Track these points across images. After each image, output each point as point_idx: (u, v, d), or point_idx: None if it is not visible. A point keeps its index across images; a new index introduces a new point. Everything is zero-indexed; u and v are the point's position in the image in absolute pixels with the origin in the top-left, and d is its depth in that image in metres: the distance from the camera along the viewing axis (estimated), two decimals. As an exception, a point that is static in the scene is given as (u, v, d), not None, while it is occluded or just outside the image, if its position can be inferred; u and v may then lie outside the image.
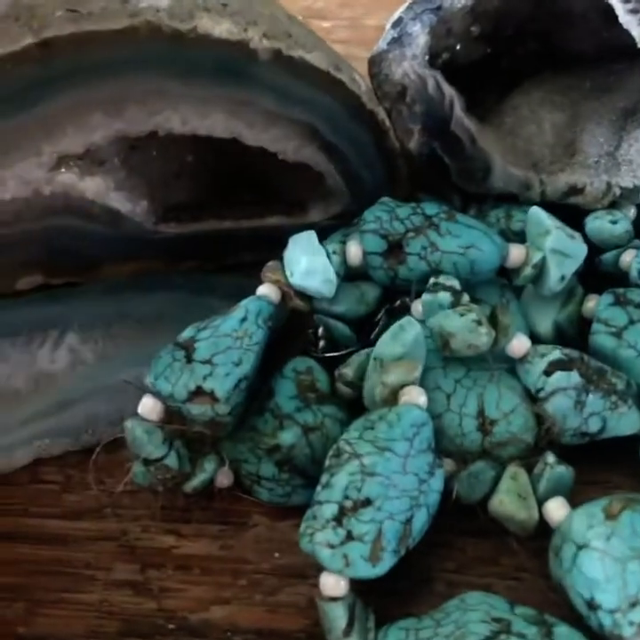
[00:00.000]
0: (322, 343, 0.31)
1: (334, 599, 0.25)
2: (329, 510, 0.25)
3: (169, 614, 0.28)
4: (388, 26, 0.34)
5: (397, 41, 0.33)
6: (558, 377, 0.28)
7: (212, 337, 0.29)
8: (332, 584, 0.25)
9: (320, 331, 0.31)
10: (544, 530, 0.27)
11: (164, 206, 0.34)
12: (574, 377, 0.28)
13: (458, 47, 0.35)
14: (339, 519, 0.25)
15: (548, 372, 0.29)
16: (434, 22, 0.33)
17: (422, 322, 0.30)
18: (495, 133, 0.35)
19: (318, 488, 0.26)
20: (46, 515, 0.30)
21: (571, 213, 0.34)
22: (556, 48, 0.37)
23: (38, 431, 0.32)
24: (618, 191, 0.34)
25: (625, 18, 0.33)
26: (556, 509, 0.27)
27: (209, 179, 0.34)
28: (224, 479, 0.29)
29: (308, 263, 0.31)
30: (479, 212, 0.35)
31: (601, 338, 0.31)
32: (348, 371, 0.30)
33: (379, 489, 0.25)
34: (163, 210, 0.33)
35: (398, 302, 0.32)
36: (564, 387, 0.28)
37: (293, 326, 0.32)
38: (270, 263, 0.32)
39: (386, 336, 0.28)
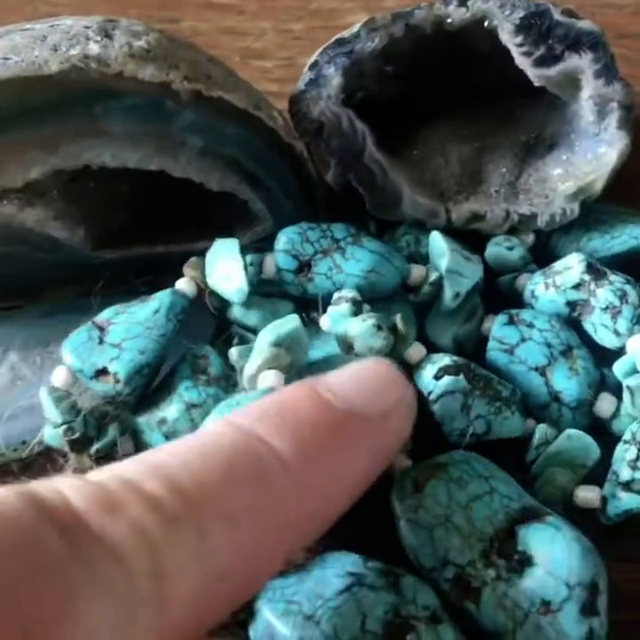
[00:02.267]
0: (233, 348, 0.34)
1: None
2: None
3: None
4: (306, 68, 0.37)
5: (314, 82, 0.37)
6: (446, 380, 0.32)
7: (125, 322, 0.32)
8: None
9: (234, 340, 0.35)
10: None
11: (100, 233, 0.37)
12: (461, 381, 0.32)
13: (372, 86, 0.38)
14: None
15: (437, 377, 0.32)
16: (347, 65, 0.37)
17: (330, 333, 0.33)
18: (405, 165, 0.38)
19: None
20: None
21: (474, 238, 0.37)
22: (466, 84, 0.40)
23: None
24: (516, 217, 0.37)
25: (519, 59, 0.36)
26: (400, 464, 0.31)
27: (141, 207, 0.37)
28: (126, 445, 0.33)
29: (225, 268, 0.34)
30: (392, 236, 0.38)
31: (495, 354, 0.34)
32: (234, 351, 0.33)
33: None
34: (99, 236, 0.37)
35: (309, 316, 0.35)
36: (451, 390, 0.31)
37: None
38: (192, 259, 0.35)
39: (269, 325, 0.31)
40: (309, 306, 0.35)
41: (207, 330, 0.35)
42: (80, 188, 0.36)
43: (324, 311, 0.34)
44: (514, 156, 0.40)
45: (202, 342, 0.34)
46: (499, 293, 0.37)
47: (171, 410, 0.32)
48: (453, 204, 0.38)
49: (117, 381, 0.31)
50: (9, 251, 0.35)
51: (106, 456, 0.32)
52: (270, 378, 0.30)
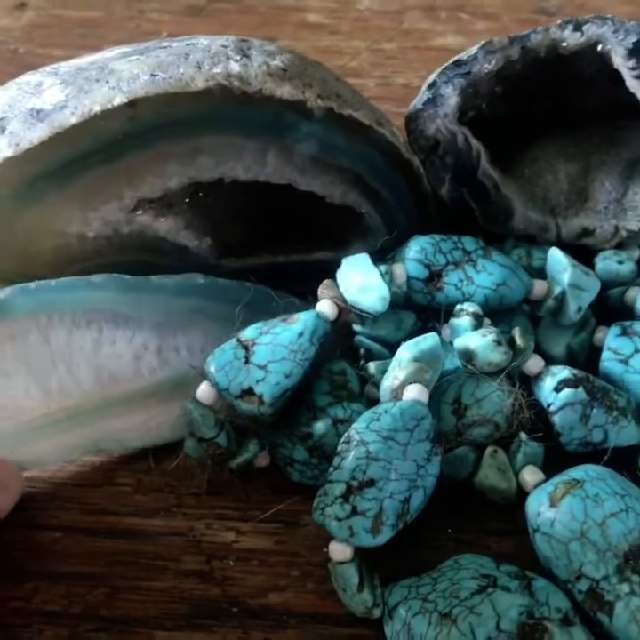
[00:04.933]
0: (362, 362, 0.35)
1: (343, 562, 0.30)
2: (338, 488, 0.29)
3: (231, 599, 0.32)
4: (424, 88, 0.39)
5: (431, 101, 0.38)
6: (566, 393, 0.33)
7: (271, 344, 0.33)
8: (340, 551, 0.30)
9: (361, 350, 0.36)
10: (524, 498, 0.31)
11: (224, 243, 0.38)
12: (580, 393, 0.33)
13: (484, 105, 0.40)
14: (346, 496, 0.29)
15: (557, 389, 0.33)
16: (463, 85, 0.38)
17: (450, 343, 0.34)
18: (516, 182, 0.40)
19: (331, 469, 0.30)
20: (122, 513, 0.34)
21: (583, 253, 0.38)
22: (569, 106, 0.41)
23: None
24: (624, 233, 0.38)
25: (631, 82, 0.37)
26: (530, 476, 0.32)
27: (263, 219, 0.39)
28: (262, 460, 0.34)
29: (363, 281, 0.35)
30: (501, 250, 0.39)
31: (611, 364, 0.35)
32: (371, 365, 0.34)
33: (381, 472, 0.30)
34: (224, 246, 0.38)
35: (429, 326, 0.36)
36: (571, 402, 0.33)
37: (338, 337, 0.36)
38: (326, 281, 0.35)
39: (410, 341, 0.32)
40: (429, 317, 0.36)
41: (334, 346, 0.36)
42: (206, 200, 0.38)
43: (445, 321, 0.35)
44: (618, 174, 0.41)
45: (333, 358, 0.35)
46: (608, 306, 0.38)
47: (317, 426, 0.33)
48: (563, 220, 0.39)
49: (262, 403, 0.32)
50: (140, 259, 0.37)
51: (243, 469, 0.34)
52: (416, 391, 0.31)
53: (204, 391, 0.33)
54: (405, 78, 0.50)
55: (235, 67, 0.34)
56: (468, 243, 0.36)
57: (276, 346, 0.33)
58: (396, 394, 0.32)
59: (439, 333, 0.35)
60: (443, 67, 0.38)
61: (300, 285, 0.38)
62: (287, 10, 0.55)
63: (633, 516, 0.29)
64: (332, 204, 0.38)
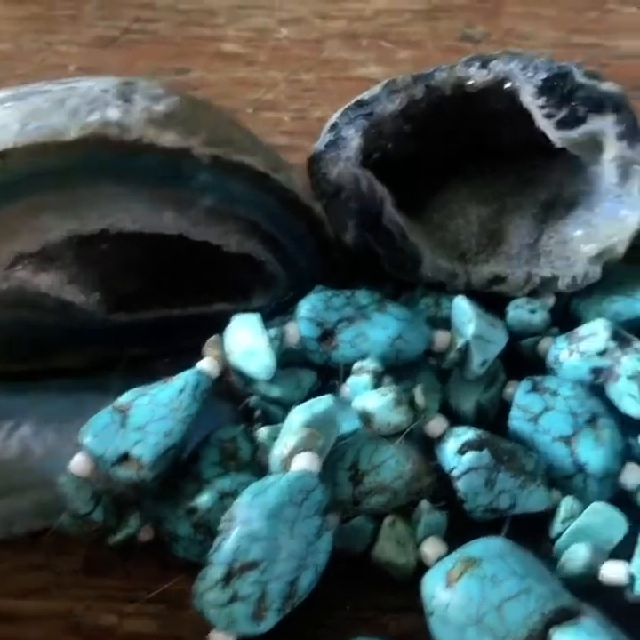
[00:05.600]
0: (256, 425, 0.33)
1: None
2: (218, 571, 0.27)
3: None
4: (325, 130, 0.37)
5: (333, 144, 0.37)
6: (470, 456, 0.31)
7: (148, 404, 0.31)
8: None
9: (257, 412, 0.34)
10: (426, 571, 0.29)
11: (115, 297, 0.36)
12: (485, 457, 0.31)
13: (389, 146, 0.38)
14: (226, 580, 0.27)
15: (461, 451, 0.31)
16: (366, 126, 0.37)
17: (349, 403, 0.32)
18: (425, 227, 0.38)
19: (211, 550, 0.28)
20: (-3, 594, 0.32)
21: (495, 301, 0.37)
22: (483, 144, 0.40)
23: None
24: (537, 280, 0.37)
25: (541, 121, 0.36)
26: (431, 549, 0.30)
27: (156, 270, 0.37)
28: (145, 534, 0.31)
29: (249, 343, 0.33)
30: (411, 298, 0.37)
31: (519, 423, 0.33)
32: (262, 431, 0.32)
33: (265, 552, 0.27)
34: (114, 300, 0.36)
35: (330, 384, 0.34)
36: (475, 466, 0.31)
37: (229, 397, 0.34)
38: (212, 338, 0.34)
39: (302, 405, 0.30)
40: (332, 373, 0.34)
41: (227, 412, 0.34)
42: (94, 252, 0.35)
43: (345, 380, 0.33)
44: (533, 216, 0.39)
45: (225, 425, 0.33)
46: (519, 357, 0.36)
47: (202, 499, 0.31)
48: (474, 266, 0.37)
49: (141, 467, 0.30)
50: (21, 315, 0.35)
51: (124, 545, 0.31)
52: (305, 460, 0.29)
53: (78, 462, 0.30)
54: (322, 111, 0.47)
55: (114, 113, 0.31)
56: (362, 297, 0.34)
57: (154, 405, 0.31)
58: (285, 464, 0.30)
59: (338, 393, 0.33)
60: (344, 107, 0.37)
61: (198, 340, 0.36)
62: (203, 39, 0.53)
63: (533, 598, 0.27)
64: (229, 253, 0.35)
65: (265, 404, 0.34)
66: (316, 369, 0.35)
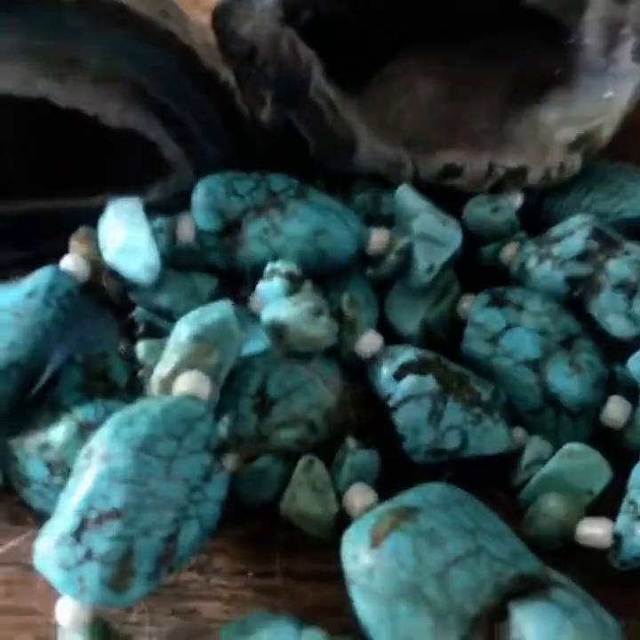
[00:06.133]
0: (140, 342, 0.26)
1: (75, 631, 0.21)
2: (68, 522, 0.21)
3: None
4: None
5: None
6: (410, 382, 0.24)
7: None
8: (72, 612, 0.21)
9: (140, 327, 0.27)
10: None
11: None
12: (429, 382, 0.24)
13: (320, 7, 0.30)
14: (77, 534, 0.20)
15: (397, 376, 0.25)
16: None
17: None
18: (362, 104, 0.31)
19: (61, 494, 0.21)
20: None
21: (449, 199, 0.30)
22: (438, 13, 0.32)
23: None
24: (501, 172, 0.30)
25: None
26: (358, 497, 0.23)
27: (21, 151, 0.29)
28: None
29: (126, 238, 0.26)
30: (345, 196, 0.30)
31: (474, 344, 0.27)
32: (141, 346, 0.26)
33: (131, 498, 0.21)
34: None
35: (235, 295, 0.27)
36: (416, 394, 0.24)
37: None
38: (80, 230, 0.27)
39: (191, 314, 0.24)
40: (238, 281, 0.28)
41: (103, 324, 0.28)
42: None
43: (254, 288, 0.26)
44: (498, 97, 0.32)
45: (96, 339, 0.27)
46: (477, 267, 0.30)
47: (57, 431, 0.24)
48: (422, 155, 0.30)
49: None
50: None
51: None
52: (190, 381, 0.22)
53: None
54: None
55: None
56: (276, 182, 0.28)
57: None
58: (165, 386, 0.23)
59: (246, 305, 0.27)
60: None
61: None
62: None
63: (486, 561, 0.20)
64: (110, 130, 0.28)
65: (151, 317, 0.27)
66: (218, 274, 0.28)
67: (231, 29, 0.29)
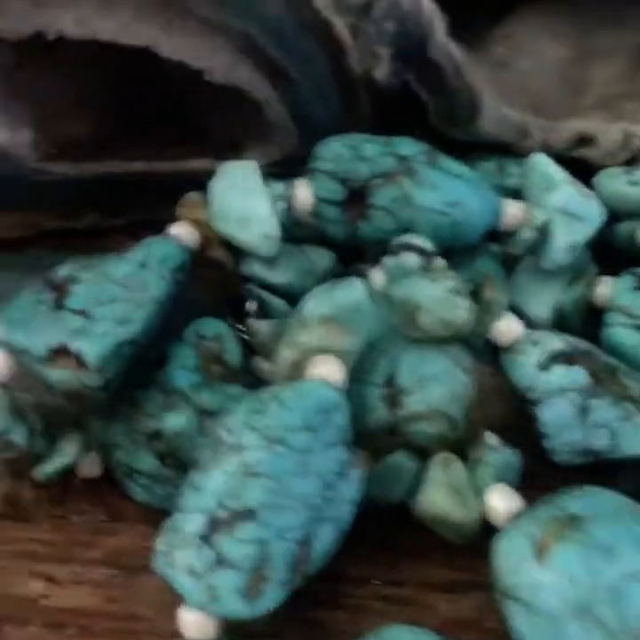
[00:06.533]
0: (249, 321, 0.24)
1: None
2: (195, 523, 0.19)
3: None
4: None
5: None
6: (559, 374, 0.22)
7: (95, 281, 0.22)
8: (196, 624, 0.19)
9: (250, 305, 0.25)
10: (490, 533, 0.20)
11: (54, 139, 0.26)
12: (580, 374, 0.22)
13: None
14: (207, 536, 0.18)
15: (544, 366, 0.22)
16: None
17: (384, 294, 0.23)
18: (486, 66, 0.28)
19: (184, 490, 0.19)
20: None
21: (579, 170, 0.27)
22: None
23: None
24: (638, 142, 0.27)
25: None
26: (501, 502, 0.21)
27: (116, 108, 0.27)
28: (90, 467, 0.23)
29: (242, 206, 0.24)
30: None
31: (618, 331, 0.24)
32: (261, 326, 0.24)
33: (265, 496, 0.19)
34: (53, 143, 0.26)
35: (353, 268, 0.25)
36: (565, 387, 0.22)
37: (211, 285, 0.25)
38: (190, 194, 0.25)
39: (317, 291, 0.22)
40: (354, 255, 0.25)
41: (208, 301, 0.25)
42: (29, 75, 0.25)
43: (376, 262, 0.24)
44: (628, 61, 0.29)
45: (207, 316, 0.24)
46: (613, 247, 0.27)
47: (172, 418, 0.22)
48: (551, 121, 0.27)
49: (84, 366, 0.21)
50: None
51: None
52: (326, 366, 0.20)
53: None
54: None
55: None
56: (405, 145, 0.25)
57: (104, 283, 0.22)
58: (296, 371, 0.21)
59: (366, 279, 0.24)
60: None
61: (165, 211, 0.26)
62: None
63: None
64: (213, 86, 0.25)
65: (262, 293, 0.25)
66: (335, 248, 0.26)
67: (347, -21, 0.26)
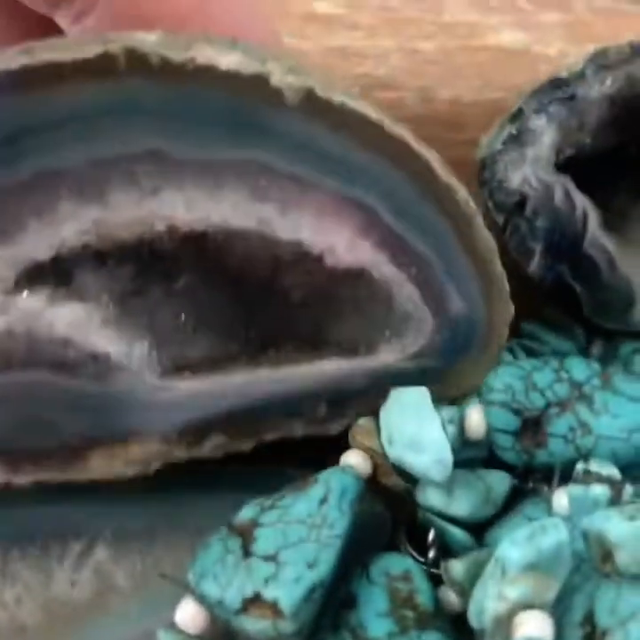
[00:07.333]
0: (431, 553, 0.23)
1: None
2: None
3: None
4: (504, 119, 0.27)
5: (516, 139, 0.27)
6: None
7: (279, 522, 0.22)
8: None
9: (430, 535, 0.24)
10: None
11: (175, 353, 0.23)
12: None
13: (587, 141, 0.27)
14: None
15: None
16: (564, 116, 0.27)
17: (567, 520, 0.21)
18: (636, 251, 0.27)
19: None
20: None
21: None
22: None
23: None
24: None
25: None
26: None
27: (235, 329, 0.24)
28: None
29: (415, 431, 0.23)
30: (607, 349, 0.29)
31: None
32: (458, 566, 0.22)
33: None
34: (173, 357, 0.23)
35: (530, 485, 0.25)
36: None
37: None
38: (362, 422, 0.24)
39: (519, 534, 0.20)
40: (527, 474, 0.25)
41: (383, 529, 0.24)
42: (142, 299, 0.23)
43: (558, 482, 0.24)
44: None
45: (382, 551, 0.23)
46: None
47: None
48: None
49: (279, 614, 0.20)
50: (26, 379, 0.22)
51: None
52: (533, 624, 0.19)
53: (185, 611, 0.21)
54: (453, 90, 0.35)
55: (151, 35, 0.20)
56: (577, 369, 0.25)
57: (287, 524, 0.22)
58: (504, 626, 0.19)
59: (548, 504, 0.23)
60: (532, 89, 0.27)
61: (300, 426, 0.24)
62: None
63: None
64: (335, 272, 0.23)
65: (439, 522, 0.24)
66: (509, 470, 0.25)
67: (499, 179, 0.27)
